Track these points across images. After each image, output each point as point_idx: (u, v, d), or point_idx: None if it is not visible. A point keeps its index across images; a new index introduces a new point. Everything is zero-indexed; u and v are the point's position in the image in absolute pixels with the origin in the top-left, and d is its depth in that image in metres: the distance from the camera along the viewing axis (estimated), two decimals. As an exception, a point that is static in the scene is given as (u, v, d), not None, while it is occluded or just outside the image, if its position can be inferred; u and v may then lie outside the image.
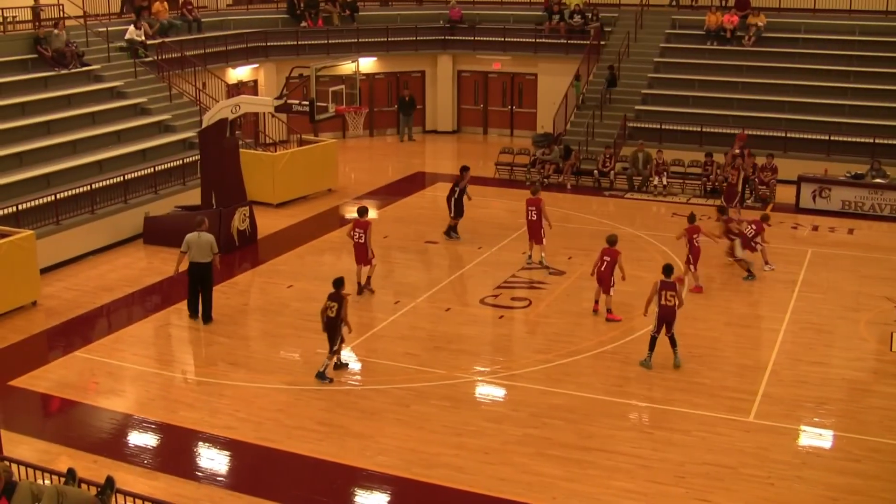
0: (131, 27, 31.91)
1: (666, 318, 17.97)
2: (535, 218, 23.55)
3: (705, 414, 16.29)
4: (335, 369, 17.91)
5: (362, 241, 21.55)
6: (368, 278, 22.09)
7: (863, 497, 13.88)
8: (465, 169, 26.17)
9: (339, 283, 17.63)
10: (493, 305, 21.40)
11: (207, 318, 20.54)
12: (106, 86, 29.64)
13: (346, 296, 17.68)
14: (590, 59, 36.51)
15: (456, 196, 25.76)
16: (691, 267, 22.11)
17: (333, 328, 17.52)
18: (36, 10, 29.80)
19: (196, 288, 20.53)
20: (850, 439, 15.51)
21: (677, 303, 17.94)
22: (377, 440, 15.48)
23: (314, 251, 25.14)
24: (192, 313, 20.74)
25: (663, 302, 17.90)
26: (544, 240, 23.63)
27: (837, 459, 14.95)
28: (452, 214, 25.92)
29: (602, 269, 20.35)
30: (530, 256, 23.97)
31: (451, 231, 26.02)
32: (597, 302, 20.85)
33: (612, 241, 20.49)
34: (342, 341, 17.86)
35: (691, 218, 22.49)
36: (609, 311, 20.43)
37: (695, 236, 22.01)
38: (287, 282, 22.85)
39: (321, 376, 17.62)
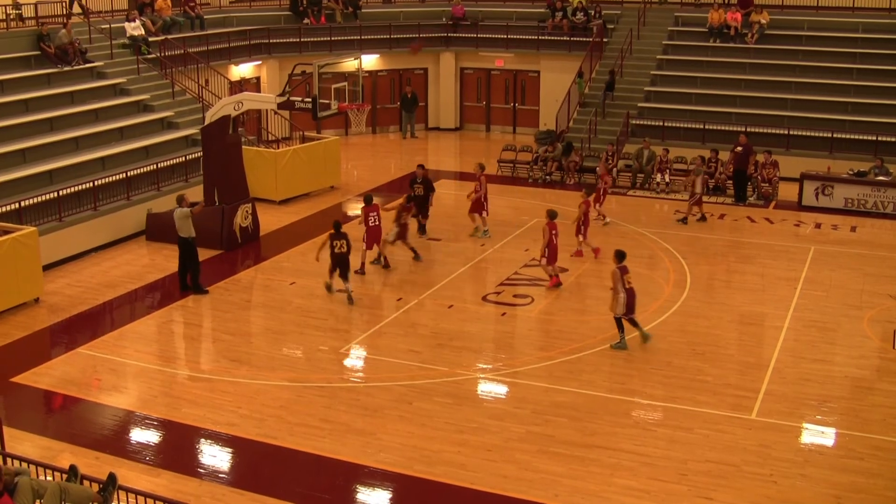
0: (127, 22, 31.84)
1: (633, 301, 18.61)
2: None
3: (708, 411, 16.29)
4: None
5: (377, 223, 22.86)
6: (380, 254, 23.40)
7: (866, 495, 13.87)
8: (420, 166, 26.53)
9: (338, 224, 21.37)
10: (495, 302, 21.39)
11: (196, 289, 21.95)
12: (109, 83, 29.65)
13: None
14: (592, 57, 36.47)
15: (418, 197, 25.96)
16: (580, 236, 24.06)
17: (345, 261, 21.00)
18: (16, 9, 29.79)
19: (184, 262, 21.93)
20: (853, 437, 15.50)
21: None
22: (379, 437, 15.48)
23: (317, 248, 25.12)
24: (182, 285, 22.07)
25: (628, 286, 18.51)
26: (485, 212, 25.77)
27: (840, 457, 14.93)
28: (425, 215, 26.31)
29: (557, 242, 22.01)
30: (485, 231, 25.82)
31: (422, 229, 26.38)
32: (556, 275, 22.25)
33: (553, 214, 22.00)
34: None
35: (589, 191, 24.56)
36: (553, 276, 22.26)
37: (588, 210, 24.07)
38: (289, 278, 22.86)
39: (351, 299, 21.13)
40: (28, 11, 30.32)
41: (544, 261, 21.99)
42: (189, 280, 22.02)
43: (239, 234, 25.18)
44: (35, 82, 27.83)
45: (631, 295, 18.55)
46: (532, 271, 23.09)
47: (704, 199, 29.69)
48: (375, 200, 23.50)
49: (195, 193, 26.15)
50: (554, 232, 21.76)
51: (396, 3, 42.55)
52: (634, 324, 18.84)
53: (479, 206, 25.74)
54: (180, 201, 21.71)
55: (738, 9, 36.23)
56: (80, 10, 31.88)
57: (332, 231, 21.14)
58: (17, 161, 24.92)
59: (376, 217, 22.87)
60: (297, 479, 14.34)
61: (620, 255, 18.78)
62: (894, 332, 19.45)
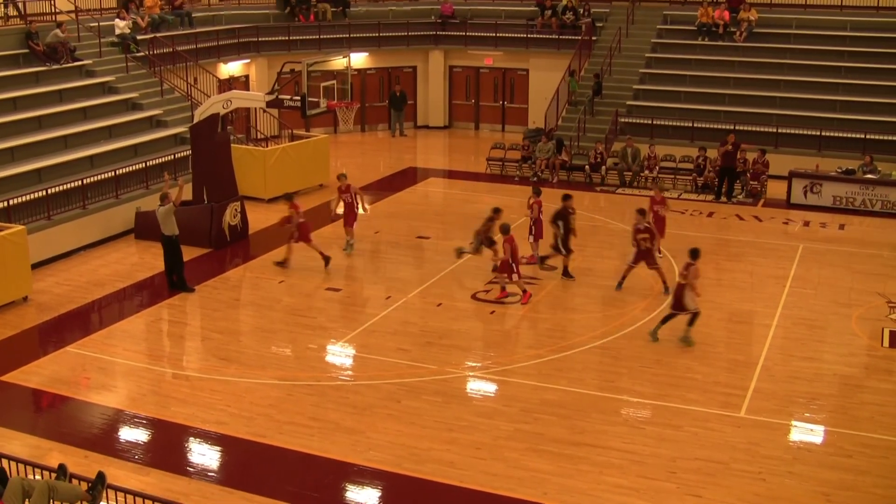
0: (117, 20, 31.78)
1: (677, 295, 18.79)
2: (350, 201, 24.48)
3: (697, 409, 16.32)
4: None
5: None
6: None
7: (854, 492, 13.91)
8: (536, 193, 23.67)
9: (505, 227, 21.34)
10: (484, 301, 21.40)
11: (182, 287, 21.89)
12: (97, 81, 29.55)
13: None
14: (581, 55, 36.49)
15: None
16: (530, 238, 23.17)
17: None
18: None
19: (169, 260, 21.83)
20: (842, 435, 15.55)
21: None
22: (368, 435, 15.48)
23: (305, 246, 25.08)
24: (170, 284, 21.96)
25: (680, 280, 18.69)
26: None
27: (829, 455, 14.98)
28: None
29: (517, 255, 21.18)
30: (350, 244, 24.62)
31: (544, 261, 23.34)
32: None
33: (506, 229, 21.11)
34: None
35: (537, 191, 23.56)
36: (505, 289, 21.53)
37: (541, 211, 23.10)
38: (278, 277, 22.83)
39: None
40: (15, 9, 30.21)
41: (515, 276, 21.07)
42: (175, 278, 21.97)
43: (228, 232, 25.14)
44: (23, 80, 27.71)
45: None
46: (521, 269, 23.06)
47: (693, 195, 29.80)
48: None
49: (184, 192, 26.10)
50: (515, 246, 20.89)
51: (385, 1, 42.52)
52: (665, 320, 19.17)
53: (352, 217, 24.34)
54: (163, 199, 21.63)
55: (727, 7, 36.25)
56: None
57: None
58: (6, 159, 24.84)
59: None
60: (287, 477, 14.33)
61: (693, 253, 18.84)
62: (883, 329, 19.56)
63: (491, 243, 22.54)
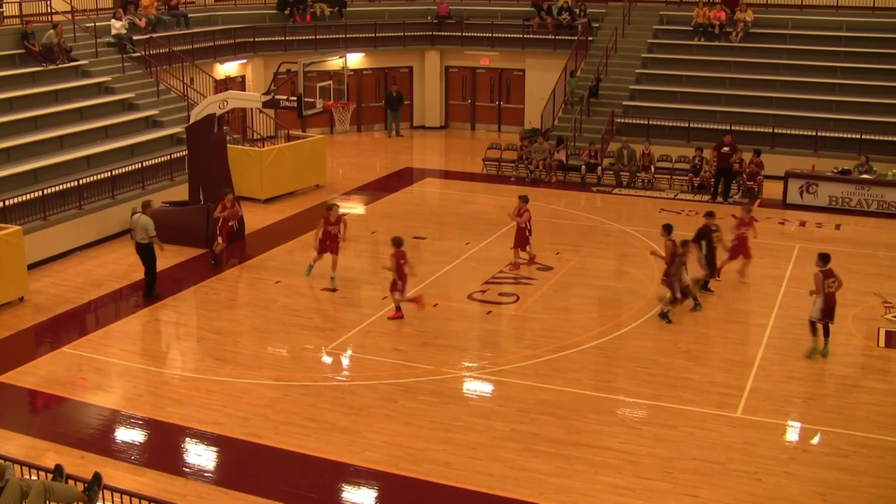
0: (113, 20, 31.75)
1: (830, 305, 18.26)
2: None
3: (693, 409, 16.33)
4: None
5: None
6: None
7: (850, 492, 13.93)
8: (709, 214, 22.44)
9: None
10: (480, 301, 21.40)
11: (146, 293, 21.57)
12: (93, 81, 29.51)
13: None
14: (577, 55, 36.50)
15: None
16: (517, 248, 23.19)
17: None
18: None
19: (150, 264, 21.58)
20: (838, 434, 15.56)
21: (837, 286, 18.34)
22: (364, 436, 15.48)
23: (302, 246, 25.07)
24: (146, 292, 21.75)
25: (828, 290, 18.19)
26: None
27: (825, 455, 14.99)
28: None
29: (406, 270, 20.20)
30: (311, 267, 22.77)
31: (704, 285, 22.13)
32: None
33: (399, 242, 20.15)
34: None
35: (524, 199, 23.26)
36: (398, 308, 20.42)
37: (530, 218, 23.04)
38: (275, 277, 22.82)
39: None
40: (12, 10, 30.18)
41: (397, 294, 20.20)
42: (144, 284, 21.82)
43: (224, 232, 25.13)
44: (19, 81, 27.69)
45: (829, 298, 18.19)
46: (517, 270, 23.10)
47: (689, 196, 29.82)
48: None
49: (180, 192, 26.16)
50: (402, 261, 19.97)
51: (382, 1, 42.50)
52: (814, 330, 18.48)
53: (336, 246, 22.28)
54: (146, 207, 21.47)
55: (724, 7, 36.27)
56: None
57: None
58: (2, 160, 24.80)
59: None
60: (283, 477, 14.32)
61: (823, 258, 18.51)
62: (878, 329, 19.58)
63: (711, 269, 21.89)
